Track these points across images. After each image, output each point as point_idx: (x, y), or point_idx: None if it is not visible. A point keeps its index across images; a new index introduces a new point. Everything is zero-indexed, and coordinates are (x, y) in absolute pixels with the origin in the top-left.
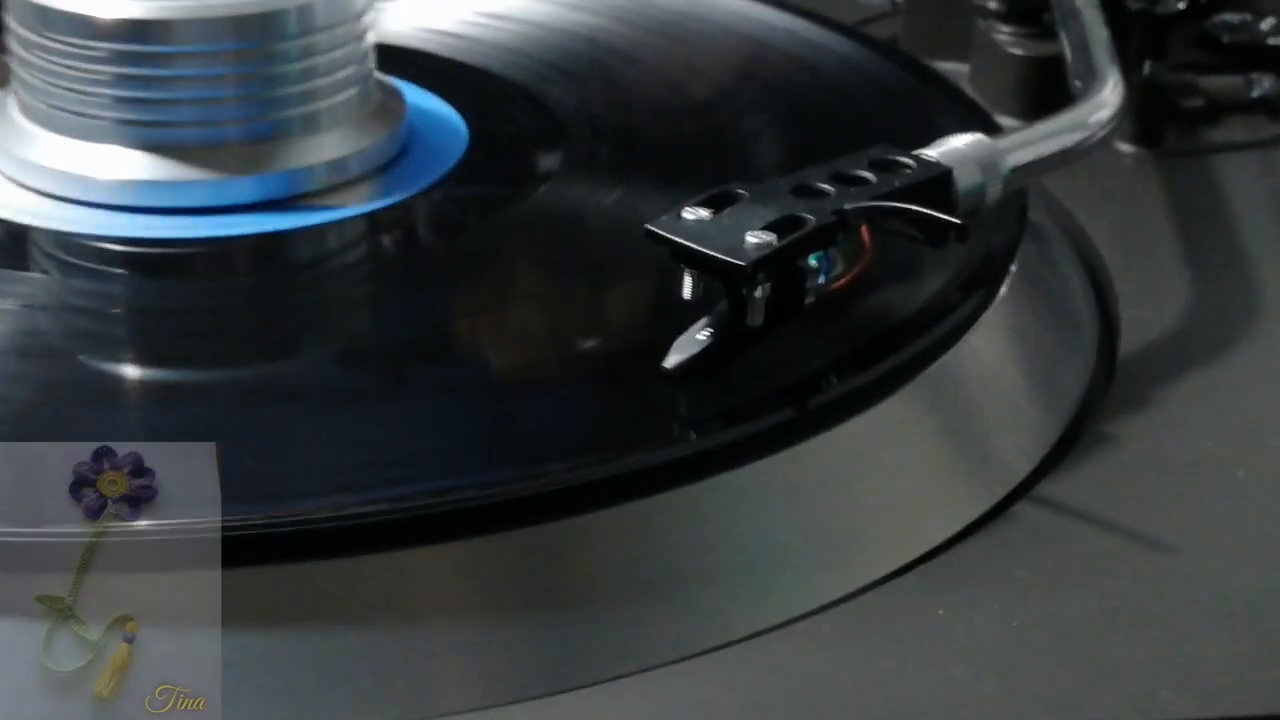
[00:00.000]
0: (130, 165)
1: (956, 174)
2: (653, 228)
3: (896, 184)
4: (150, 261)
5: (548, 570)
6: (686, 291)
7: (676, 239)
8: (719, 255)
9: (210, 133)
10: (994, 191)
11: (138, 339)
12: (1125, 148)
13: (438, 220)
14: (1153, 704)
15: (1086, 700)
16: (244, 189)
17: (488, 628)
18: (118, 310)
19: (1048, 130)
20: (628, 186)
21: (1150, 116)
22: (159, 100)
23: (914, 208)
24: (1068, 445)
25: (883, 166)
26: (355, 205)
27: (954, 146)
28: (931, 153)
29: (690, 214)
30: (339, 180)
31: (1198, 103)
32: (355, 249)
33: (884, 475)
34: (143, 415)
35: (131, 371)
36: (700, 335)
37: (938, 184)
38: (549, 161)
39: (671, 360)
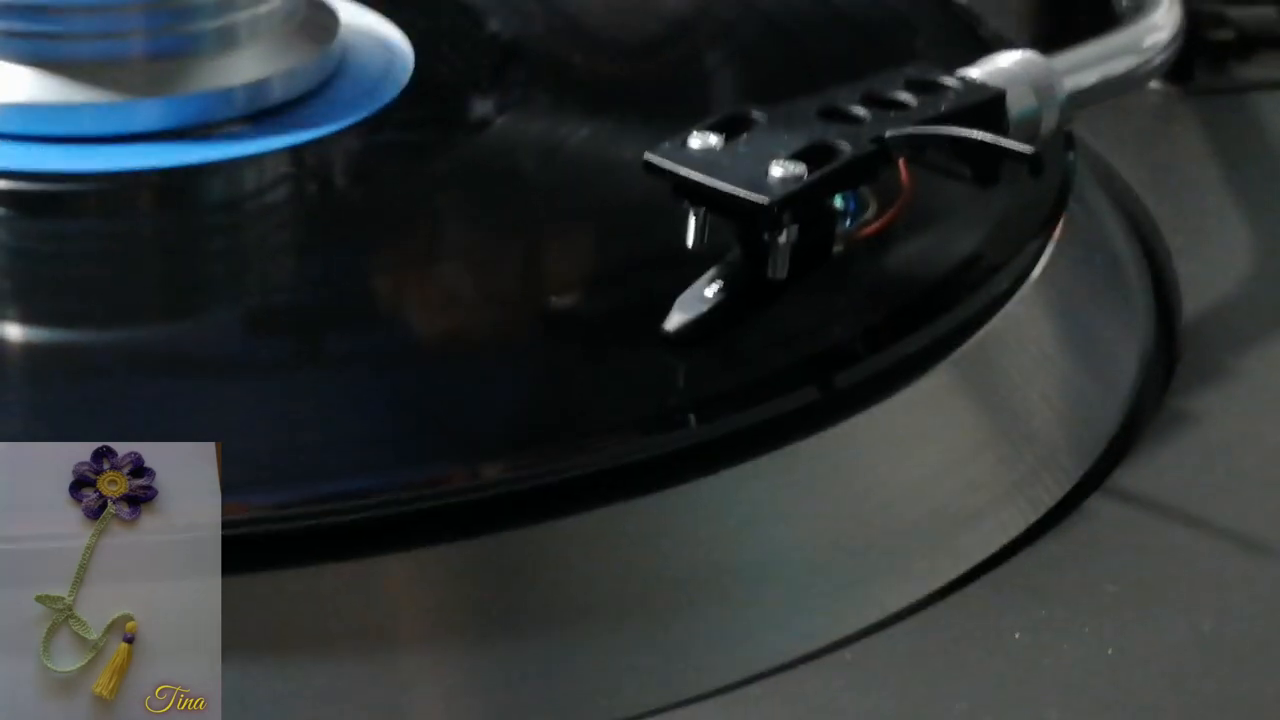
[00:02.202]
0: (15, 84)
1: (1008, 98)
2: (652, 157)
3: (942, 108)
4: (36, 199)
5: (515, 592)
6: (689, 237)
7: (682, 171)
8: (737, 191)
9: (110, 47)
10: (1049, 120)
11: (19, 291)
12: (1153, 84)
13: (375, 158)
14: None
15: None
16: (148, 114)
17: (436, 665)
18: None
19: (1099, 52)
20: (598, 120)
21: (1180, 49)
22: (50, 7)
23: (975, 134)
24: (1132, 429)
25: (922, 88)
26: (278, 137)
27: (1001, 66)
28: (976, 73)
29: (698, 140)
30: (259, 107)
31: (1227, 35)
32: (277, 190)
33: (928, 465)
34: (20, 383)
35: (11, 331)
36: (708, 291)
37: (988, 109)
38: (506, 92)
39: (673, 321)
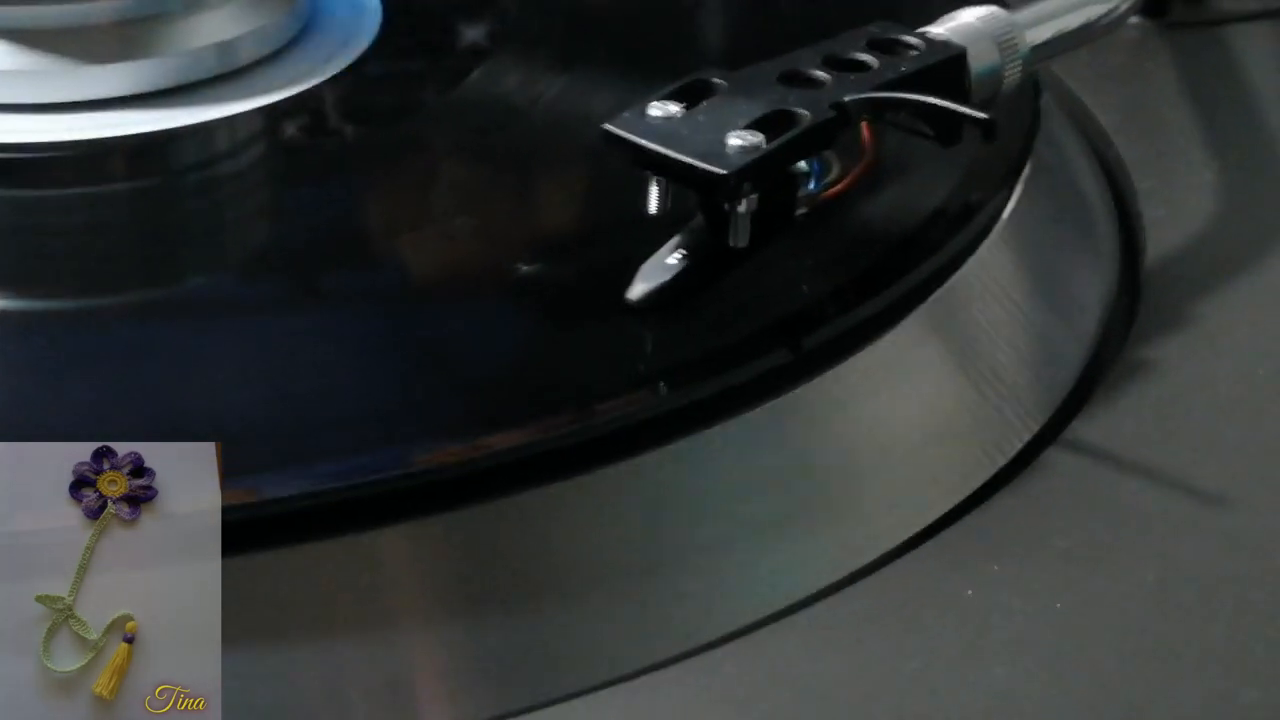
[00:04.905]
0: None
1: (970, 55)
2: (611, 128)
3: (903, 69)
4: (6, 169)
5: (482, 562)
6: (653, 205)
7: (641, 141)
8: (694, 162)
9: (76, 11)
10: (1012, 75)
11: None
12: (1130, 19)
13: (347, 114)
14: (1233, 706)
15: (1156, 706)
16: (117, 79)
17: (414, 637)
18: None
19: (1064, 3)
20: (575, 71)
21: None
22: None
23: (930, 100)
24: (1095, 375)
25: (884, 48)
26: (250, 97)
27: (964, 22)
28: (939, 30)
29: (658, 110)
30: (230, 67)
31: None
32: (250, 150)
33: (887, 424)
34: None
35: None
36: (671, 259)
37: (950, 67)
38: (480, 42)
39: (636, 290)
